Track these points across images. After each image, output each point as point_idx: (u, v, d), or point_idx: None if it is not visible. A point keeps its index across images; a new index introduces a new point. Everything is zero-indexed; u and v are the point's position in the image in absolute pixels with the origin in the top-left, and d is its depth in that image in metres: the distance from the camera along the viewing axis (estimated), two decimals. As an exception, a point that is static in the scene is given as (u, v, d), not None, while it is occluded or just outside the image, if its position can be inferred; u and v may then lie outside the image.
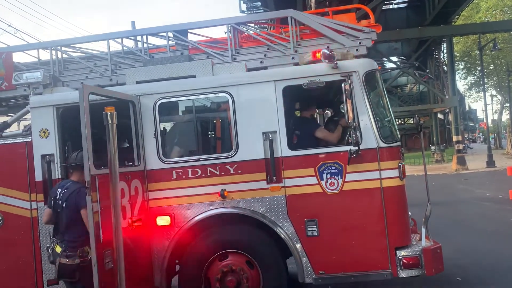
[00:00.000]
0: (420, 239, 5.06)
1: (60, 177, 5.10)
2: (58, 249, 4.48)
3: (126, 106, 5.07)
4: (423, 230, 5.11)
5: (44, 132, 5.17)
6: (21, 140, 5.33)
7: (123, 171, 4.67)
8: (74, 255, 4.42)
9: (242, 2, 32.32)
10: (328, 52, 4.79)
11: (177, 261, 5.33)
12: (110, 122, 4.19)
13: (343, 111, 6.63)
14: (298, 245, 4.89)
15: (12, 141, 5.38)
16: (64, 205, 4.52)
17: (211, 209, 5.02)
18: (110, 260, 4.29)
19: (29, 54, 6.86)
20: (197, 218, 5.01)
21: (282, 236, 4.90)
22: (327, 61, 4.84)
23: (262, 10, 32.06)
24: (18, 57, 6.62)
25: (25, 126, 5.77)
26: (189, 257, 5.03)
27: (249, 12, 32.77)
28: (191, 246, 5.04)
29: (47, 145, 5.14)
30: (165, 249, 5.02)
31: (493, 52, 33.42)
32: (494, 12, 36.46)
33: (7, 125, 5.89)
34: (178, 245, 5.03)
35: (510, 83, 37.99)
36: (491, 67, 40.27)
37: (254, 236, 5.03)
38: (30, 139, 5.24)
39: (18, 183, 5.24)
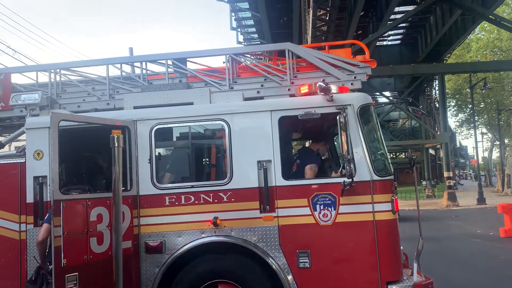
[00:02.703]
0: (412, 274, 5.03)
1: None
2: None
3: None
4: (415, 265, 5.09)
5: (38, 153, 5.15)
6: (15, 161, 5.30)
7: (104, 197, 4.70)
8: None
9: (239, 33, 32.95)
10: (324, 85, 4.89)
11: (166, 290, 5.23)
12: (116, 145, 4.23)
13: (337, 143, 6.73)
14: (290, 277, 4.83)
15: (5, 162, 5.35)
16: None
17: (202, 237, 4.97)
18: (74, 285, 4.27)
19: (28, 76, 6.92)
20: (188, 245, 4.95)
21: (274, 267, 4.85)
22: (323, 93, 4.93)
23: (259, 42, 32.71)
24: (17, 79, 6.65)
25: (18, 147, 5.75)
26: (179, 285, 4.94)
27: (246, 44, 33.39)
28: (181, 274, 4.95)
29: (40, 166, 5.11)
30: (154, 276, 4.94)
31: (483, 91, 34.07)
32: (484, 52, 37.34)
33: (0, 145, 5.87)
34: (168, 272, 4.95)
35: (500, 122, 38.60)
36: (481, 105, 40.92)
37: (245, 266, 4.96)
38: (24, 160, 5.21)
39: (8, 204, 5.18)
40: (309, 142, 6.19)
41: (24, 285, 4.94)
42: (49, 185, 5.05)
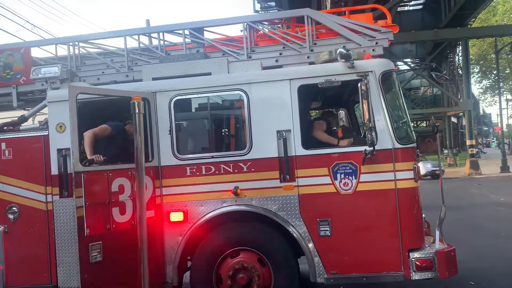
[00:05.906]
0: (434, 242, 5.01)
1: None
2: None
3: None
4: (437, 232, 5.05)
5: (60, 126, 5.22)
6: (38, 134, 5.40)
7: (125, 168, 4.79)
8: None
9: (256, 2, 32.29)
10: (345, 52, 4.77)
11: (189, 257, 5.35)
12: (137, 111, 4.20)
13: (357, 112, 6.63)
14: (310, 245, 4.87)
15: (29, 135, 5.45)
16: None
17: (224, 206, 5.03)
18: (98, 254, 4.43)
19: (47, 50, 6.96)
20: (210, 215, 5.02)
21: (295, 235, 4.89)
22: (343, 60, 4.82)
23: (276, 10, 32.01)
24: (36, 52, 6.69)
25: (40, 121, 5.84)
26: (201, 253, 5.05)
27: (263, 12, 32.75)
28: (204, 242, 5.06)
29: (63, 139, 5.19)
30: (177, 245, 5.05)
31: (509, 56, 32.92)
32: (511, 15, 35.88)
33: (24, 119, 5.97)
34: (190, 241, 5.06)
35: (526, 88, 37.45)
36: (507, 71, 39.68)
37: (266, 234, 5.02)
38: (47, 133, 5.30)
39: (34, 176, 5.32)
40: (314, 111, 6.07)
41: (53, 254, 5.13)
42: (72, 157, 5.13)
